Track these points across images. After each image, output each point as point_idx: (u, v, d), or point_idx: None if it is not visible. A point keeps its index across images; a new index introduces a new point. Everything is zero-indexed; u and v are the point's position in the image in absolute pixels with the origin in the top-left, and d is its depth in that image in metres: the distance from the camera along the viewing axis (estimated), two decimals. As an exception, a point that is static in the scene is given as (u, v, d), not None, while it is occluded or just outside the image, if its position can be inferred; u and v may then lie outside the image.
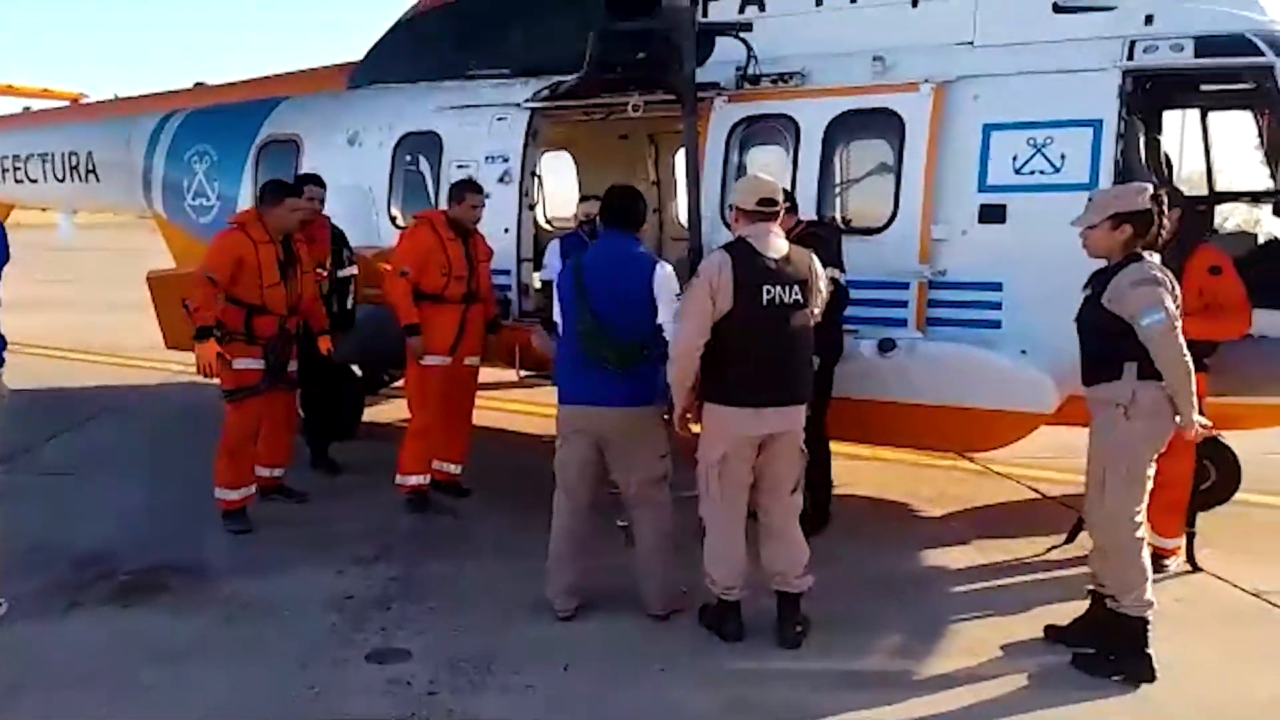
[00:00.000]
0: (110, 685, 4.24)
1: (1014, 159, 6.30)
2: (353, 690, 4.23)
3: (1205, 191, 7.70)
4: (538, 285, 8.30)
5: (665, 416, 5.03)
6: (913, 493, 7.28)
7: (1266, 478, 6.96)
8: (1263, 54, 5.92)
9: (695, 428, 4.95)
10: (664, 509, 5.11)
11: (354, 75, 9.45)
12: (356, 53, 9.64)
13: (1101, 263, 4.70)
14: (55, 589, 5.17)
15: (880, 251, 6.51)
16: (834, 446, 6.46)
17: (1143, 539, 4.49)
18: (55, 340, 13.30)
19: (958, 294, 6.46)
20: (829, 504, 6.34)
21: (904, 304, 6.52)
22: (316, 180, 7.36)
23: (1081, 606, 4.82)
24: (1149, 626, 4.46)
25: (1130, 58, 6.13)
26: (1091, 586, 4.79)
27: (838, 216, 7.05)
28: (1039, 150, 6.28)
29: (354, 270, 7.60)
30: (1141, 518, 4.48)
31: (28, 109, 13.49)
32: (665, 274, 5.04)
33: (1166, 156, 7.34)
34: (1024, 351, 6.19)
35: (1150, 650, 4.44)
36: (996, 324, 6.36)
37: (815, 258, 4.97)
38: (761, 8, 7.28)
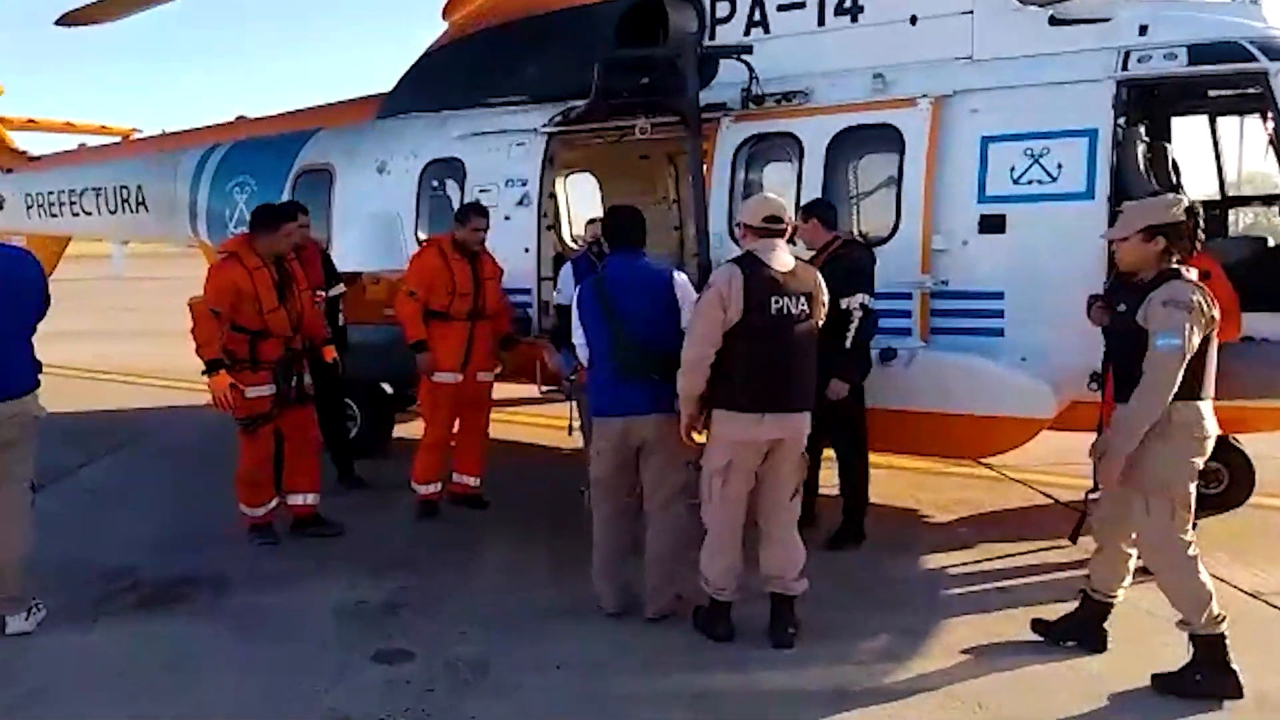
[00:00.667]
0: (130, 688, 4.51)
1: (1012, 170, 6.40)
2: (355, 689, 4.45)
3: (1217, 196, 7.75)
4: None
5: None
6: (922, 499, 7.37)
7: (1262, 480, 6.94)
8: (1256, 59, 5.97)
9: (699, 438, 5.13)
10: (683, 519, 5.30)
11: (383, 106, 9.81)
12: (389, 84, 9.96)
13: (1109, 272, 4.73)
14: (84, 601, 5.45)
15: (883, 263, 6.61)
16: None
17: (1196, 556, 4.41)
18: (108, 365, 13.85)
19: (960, 303, 6.57)
20: (863, 520, 6.42)
21: (908, 314, 6.65)
22: (304, 209, 7.42)
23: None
24: (1226, 641, 4.35)
25: (1125, 68, 6.21)
26: (1084, 588, 4.87)
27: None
28: (1036, 161, 6.37)
29: (342, 289, 7.87)
30: (1191, 536, 4.42)
31: (83, 145, 14.09)
32: (684, 280, 5.32)
33: (1174, 163, 7.37)
34: (1024, 359, 6.29)
35: (1235, 665, 4.34)
36: (999, 332, 6.46)
37: (819, 273, 5.14)
38: (766, 30, 7.48)
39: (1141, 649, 4.71)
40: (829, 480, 6.63)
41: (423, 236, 8.94)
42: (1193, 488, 4.44)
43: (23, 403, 5.02)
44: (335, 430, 7.86)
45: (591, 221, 8.80)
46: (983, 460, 7.84)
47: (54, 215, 13.10)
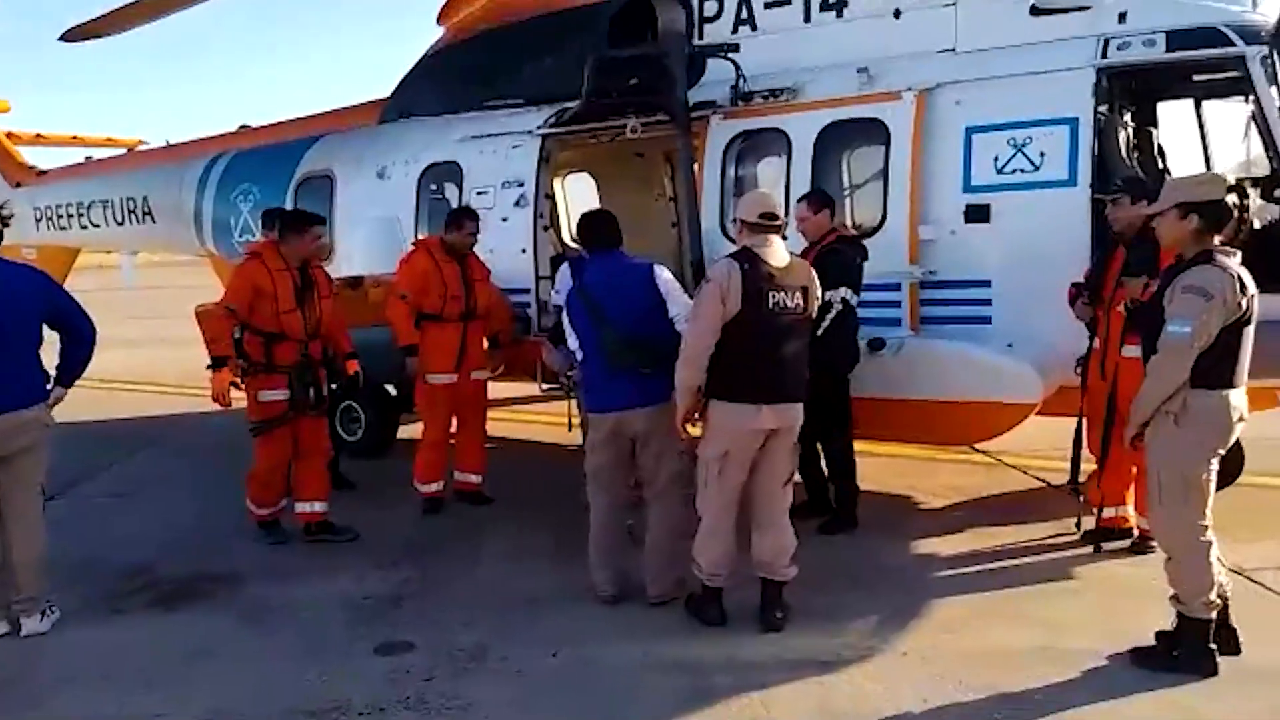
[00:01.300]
0: (144, 679, 4.68)
1: (996, 159, 6.51)
2: (357, 679, 4.60)
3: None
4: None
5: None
6: (916, 486, 7.50)
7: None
8: (1234, 44, 6.06)
9: (695, 430, 5.27)
10: (680, 506, 5.46)
11: (383, 111, 9.96)
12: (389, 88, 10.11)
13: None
14: (102, 598, 5.65)
15: (873, 254, 6.72)
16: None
17: (1208, 543, 4.42)
18: (129, 375, 14.05)
19: (948, 292, 6.69)
20: (855, 506, 6.57)
21: (898, 304, 6.77)
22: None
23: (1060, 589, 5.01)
24: (1212, 627, 4.44)
25: (1104, 55, 6.31)
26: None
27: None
28: (1019, 150, 6.47)
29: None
30: (1205, 522, 4.42)
31: (89, 158, 14.30)
32: (664, 273, 5.45)
33: (1160, 148, 7.46)
34: (1010, 345, 6.39)
35: (1213, 646, 4.43)
36: (987, 320, 6.57)
37: (812, 268, 5.28)
38: (754, 27, 7.60)
39: (1129, 625, 4.80)
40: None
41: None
42: (1209, 474, 4.41)
43: (35, 411, 5.20)
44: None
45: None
46: (978, 447, 7.96)
47: (63, 228, 13.33)
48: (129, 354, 15.73)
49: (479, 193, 8.59)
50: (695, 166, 7.44)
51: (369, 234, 9.39)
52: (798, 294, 5.03)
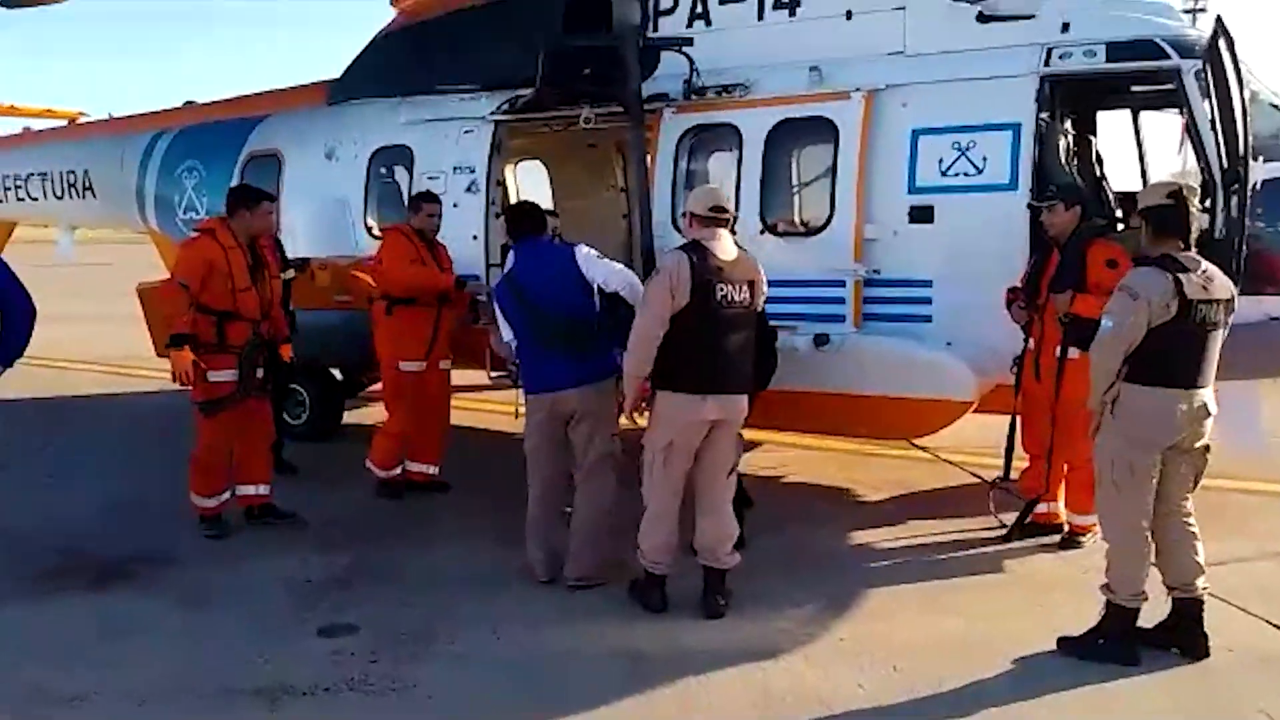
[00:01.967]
0: (76, 657, 4.65)
1: (940, 162, 6.64)
2: (300, 660, 4.62)
3: (1140, 188, 8.04)
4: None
5: (619, 401, 5.43)
6: (856, 479, 7.65)
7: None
8: (1169, 57, 6.26)
9: (642, 420, 5.35)
10: (608, 487, 5.58)
11: (332, 92, 9.86)
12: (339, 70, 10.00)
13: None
14: (36, 578, 5.58)
15: (819, 251, 6.87)
16: (781, 437, 6.82)
17: (1142, 536, 4.57)
18: (63, 352, 13.73)
19: (891, 290, 6.82)
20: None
21: (842, 301, 6.89)
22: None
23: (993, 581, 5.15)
24: (1137, 617, 4.60)
25: (1047, 64, 6.46)
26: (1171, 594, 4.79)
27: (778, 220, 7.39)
28: (963, 154, 6.61)
29: (292, 274, 7.93)
30: (1139, 516, 4.56)
31: (27, 129, 13.95)
32: (584, 251, 5.60)
33: (1098, 156, 7.68)
34: (949, 344, 6.56)
35: (1134, 637, 4.59)
36: (927, 319, 6.71)
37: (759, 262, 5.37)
38: (708, 22, 7.66)
39: (1056, 616, 4.97)
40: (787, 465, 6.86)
41: (371, 223, 9.04)
42: (1145, 468, 4.53)
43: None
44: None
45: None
46: (916, 442, 8.13)
47: (-1, 200, 13.00)
48: (67, 330, 15.39)
49: (430, 177, 8.54)
50: (648, 159, 7.49)
51: (316, 215, 9.31)
52: (745, 287, 5.13)
